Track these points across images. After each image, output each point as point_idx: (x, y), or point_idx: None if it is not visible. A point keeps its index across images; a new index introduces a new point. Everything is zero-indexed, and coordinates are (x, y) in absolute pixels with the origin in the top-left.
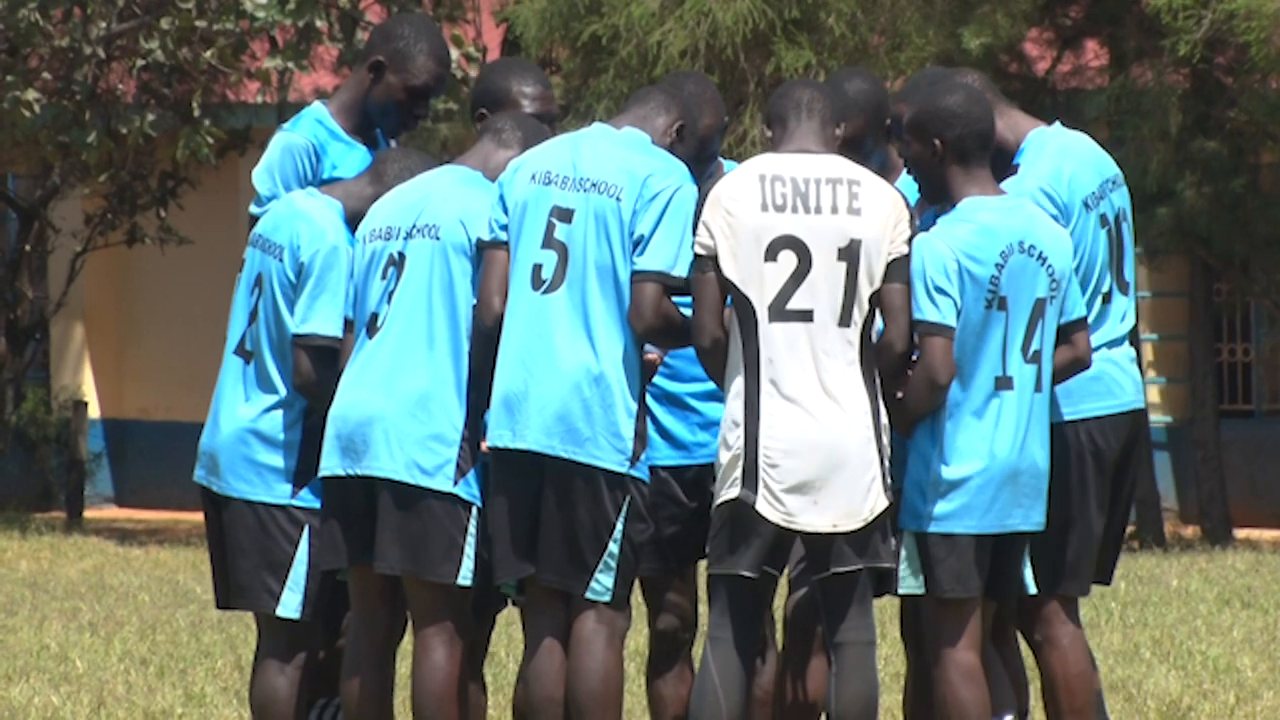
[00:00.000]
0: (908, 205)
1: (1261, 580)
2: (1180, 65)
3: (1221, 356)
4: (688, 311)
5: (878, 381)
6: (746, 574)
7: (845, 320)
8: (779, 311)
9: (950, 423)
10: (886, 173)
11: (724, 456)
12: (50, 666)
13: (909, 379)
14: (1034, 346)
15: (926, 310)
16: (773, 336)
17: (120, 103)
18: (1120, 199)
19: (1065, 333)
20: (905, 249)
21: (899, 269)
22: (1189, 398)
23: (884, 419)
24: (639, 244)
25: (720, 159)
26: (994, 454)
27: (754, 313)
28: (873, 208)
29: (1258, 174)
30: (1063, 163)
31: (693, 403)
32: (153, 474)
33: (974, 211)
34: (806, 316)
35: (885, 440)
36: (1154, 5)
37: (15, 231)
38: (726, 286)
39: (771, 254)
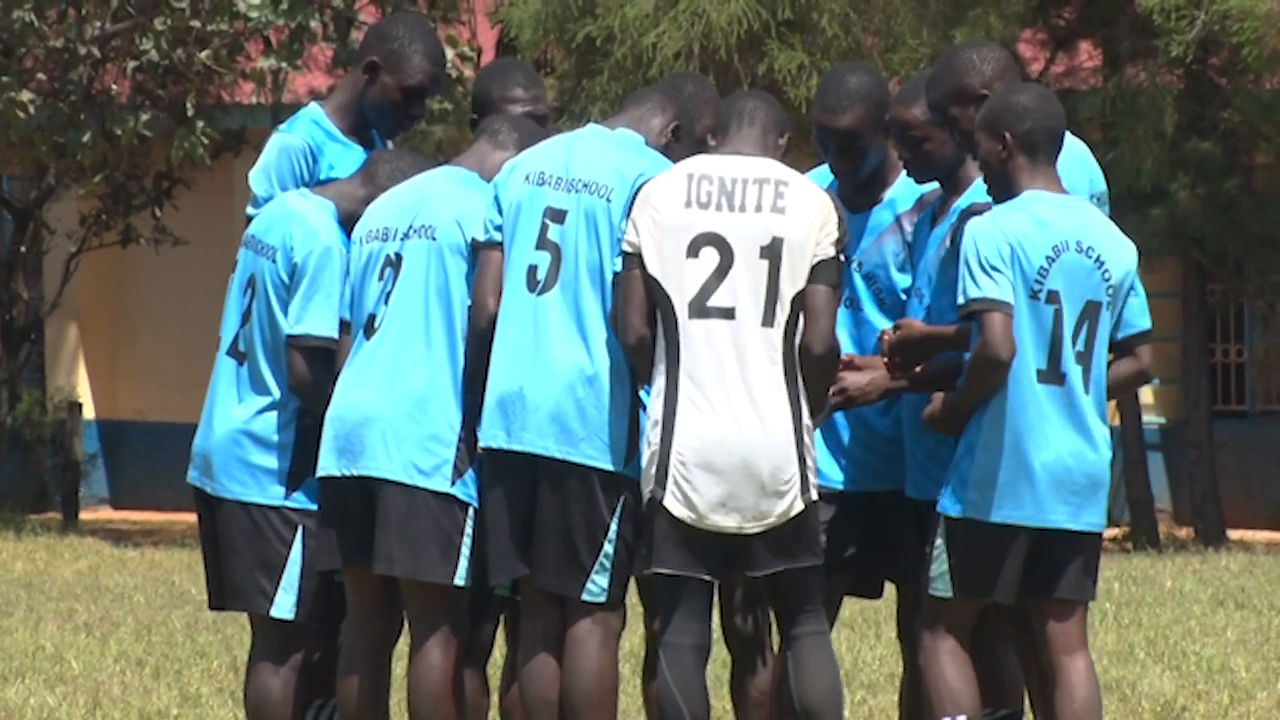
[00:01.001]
0: (838, 208)
1: (1255, 581)
2: (1173, 66)
3: (1215, 357)
4: None
5: (800, 383)
6: (666, 572)
7: (768, 320)
8: (699, 308)
9: (993, 410)
10: (885, 171)
11: (645, 454)
12: (45, 667)
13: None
14: (1078, 348)
15: (984, 286)
16: (692, 334)
17: (115, 103)
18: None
19: (1129, 345)
20: (832, 251)
21: (824, 271)
22: (1182, 398)
23: (806, 420)
24: None
25: None
26: (1035, 447)
27: (674, 310)
28: (798, 208)
29: (1251, 175)
30: (1066, 164)
31: None
32: (148, 475)
33: (1033, 204)
34: (728, 314)
35: (808, 441)
36: (1147, 6)
37: (10, 232)
38: (650, 283)
39: (693, 250)
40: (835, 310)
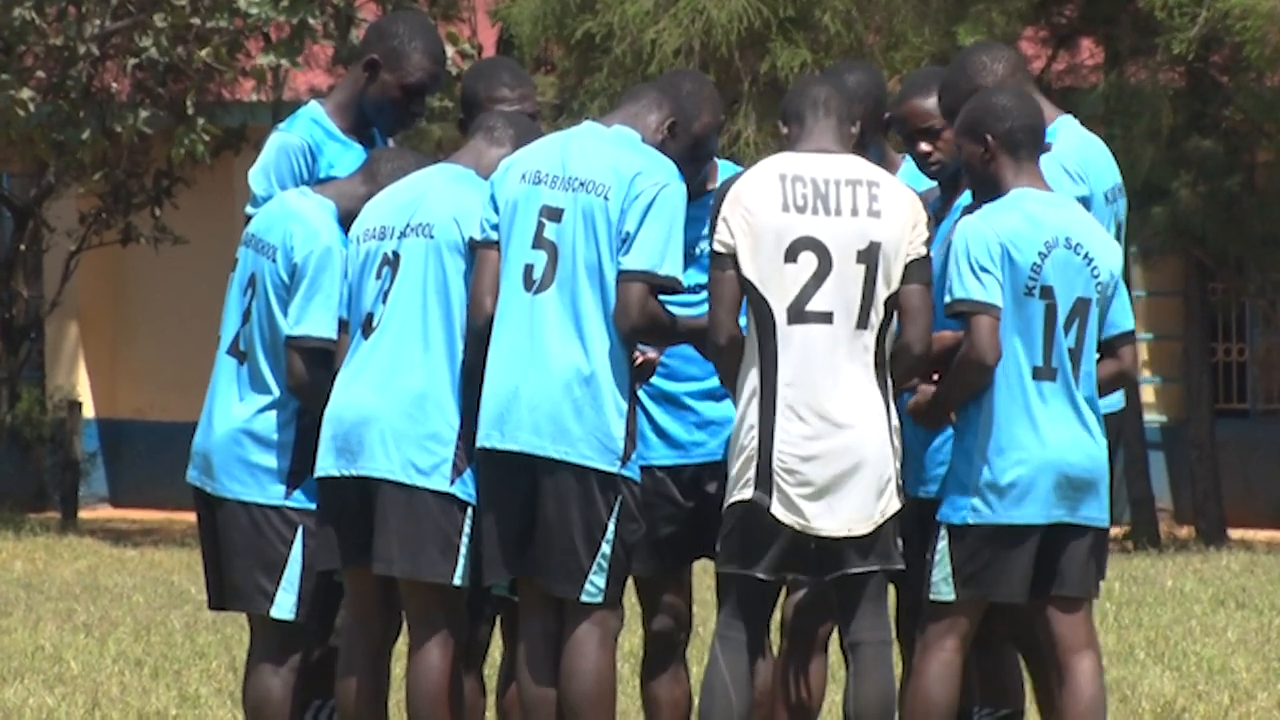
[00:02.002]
0: (925, 207)
1: (1256, 581)
2: (1175, 64)
3: (1216, 356)
4: (676, 310)
5: (890, 385)
6: (761, 576)
7: (863, 323)
8: (798, 314)
9: (988, 411)
10: (884, 167)
11: (737, 456)
12: (45, 667)
13: (953, 362)
14: (1069, 343)
15: (972, 289)
16: (791, 338)
17: (115, 101)
18: (1122, 208)
19: (1112, 346)
20: (923, 250)
21: (917, 271)
22: (1184, 397)
23: (895, 421)
24: (625, 243)
25: (715, 159)
26: (1036, 444)
27: (772, 314)
28: (892, 210)
29: (1253, 173)
30: (1089, 152)
31: (689, 402)
32: (147, 474)
33: (1021, 201)
34: (825, 319)
35: (898, 442)
36: (1149, 3)
37: (10, 231)
38: (745, 286)
39: (792, 255)
40: (932, 308)
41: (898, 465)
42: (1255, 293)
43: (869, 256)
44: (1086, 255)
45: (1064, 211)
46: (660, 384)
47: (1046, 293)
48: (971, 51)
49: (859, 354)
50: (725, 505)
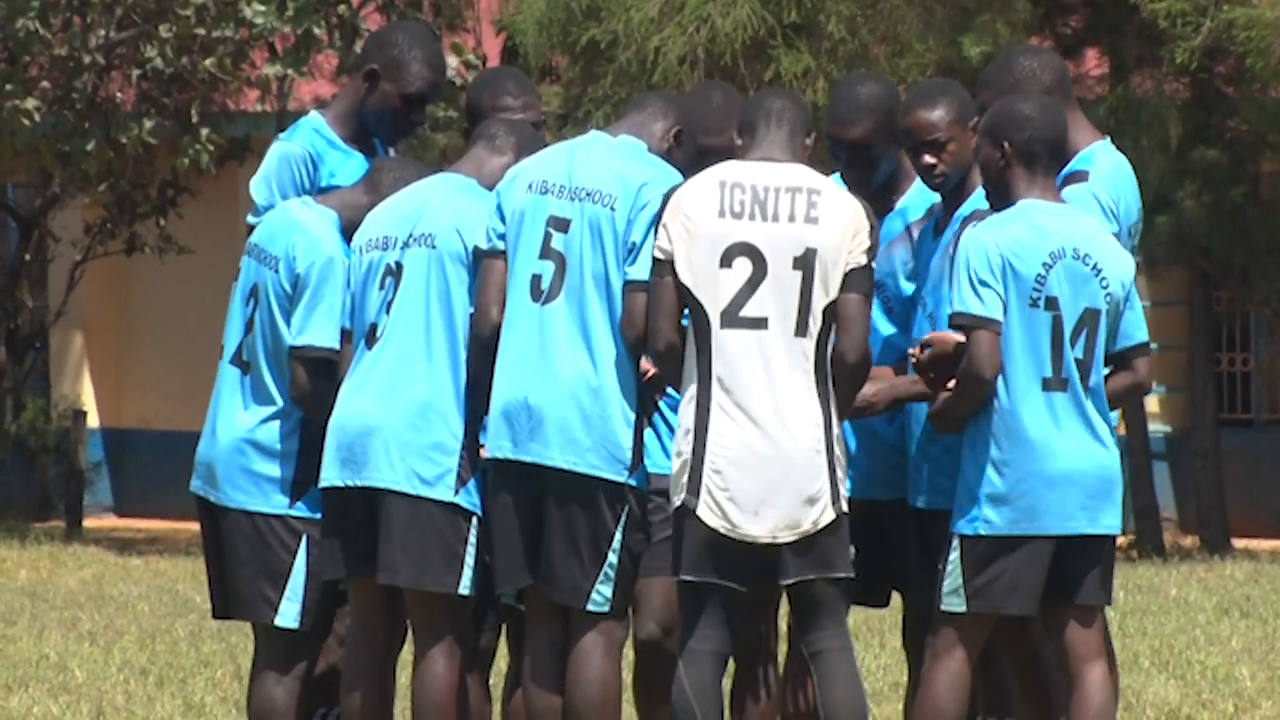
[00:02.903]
0: (869, 216)
1: (1260, 590)
2: (1180, 74)
3: (1221, 366)
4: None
5: (831, 393)
6: (688, 579)
7: (801, 330)
8: (732, 318)
9: (998, 422)
10: (898, 180)
11: (675, 463)
12: (49, 676)
13: (957, 375)
14: (1077, 354)
15: (970, 303)
16: (725, 343)
17: (120, 111)
18: (1138, 234)
19: (1126, 357)
20: (864, 259)
21: (857, 280)
22: (1188, 407)
23: (837, 430)
24: (631, 252)
25: None
26: (1046, 454)
27: (707, 319)
28: (831, 217)
29: (1257, 183)
30: (1123, 186)
31: None
32: (152, 483)
33: (1029, 213)
34: (760, 324)
35: (838, 451)
36: (1153, 14)
37: (15, 241)
38: (681, 291)
39: (727, 260)
40: (868, 318)
41: (839, 474)
42: (1260, 303)
43: (805, 263)
44: (1095, 266)
45: (1072, 223)
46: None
47: (1051, 304)
48: (1021, 54)
49: (798, 361)
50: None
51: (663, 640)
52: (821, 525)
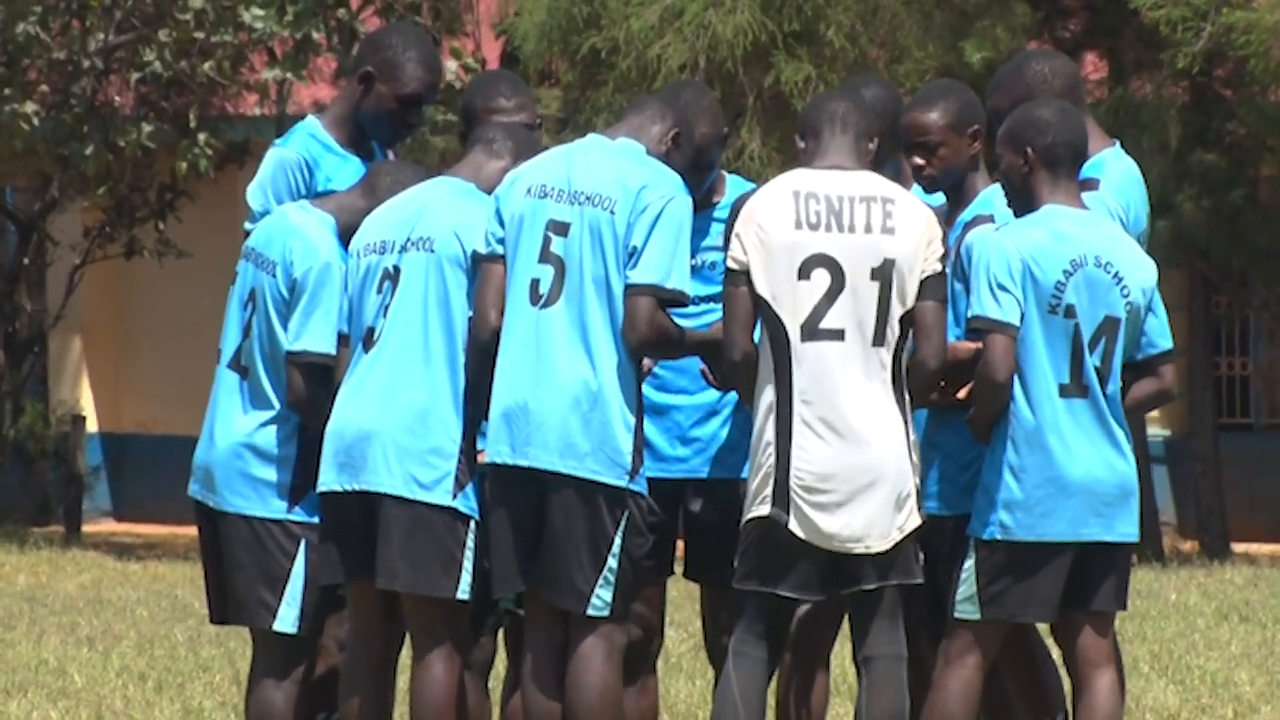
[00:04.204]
0: (941, 223)
1: (1260, 594)
2: (1179, 78)
3: (1220, 370)
4: (683, 323)
5: (908, 400)
6: (779, 593)
7: (879, 340)
8: (811, 331)
9: (1015, 428)
10: (899, 183)
11: (755, 473)
12: (48, 681)
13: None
14: (1095, 361)
15: (988, 307)
16: (805, 356)
17: (118, 115)
18: (1145, 239)
19: (1152, 364)
20: (938, 267)
21: (932, 287)
22: (1187, 411)
23: (914, 436)
24: (632, 256)
25: (722, 172)
26: (1064, 461)
27: (786, 331)
28: (906, 226)
29: (1257, 187)
30: (1133, 193)
31: (676, 416)
32: (151, 488)
33: (1051, 219)
34: (838, 336)
35: (916, 458)
36: (1153, 18)
37: (14, 244)
38: (758, 303)
39: (804, 272)
40: (945, 324)
41: (917, 481)
42: (1259, 307)
43: (883, 273)
44: (1116, 274)
45: (1095, 230)
46: (649, 394)
47: (1070, 311)
48: (1033, 58)
49: (875, 370)
50: (743, 522)
51: (644, 644)
52: (908, 531)
